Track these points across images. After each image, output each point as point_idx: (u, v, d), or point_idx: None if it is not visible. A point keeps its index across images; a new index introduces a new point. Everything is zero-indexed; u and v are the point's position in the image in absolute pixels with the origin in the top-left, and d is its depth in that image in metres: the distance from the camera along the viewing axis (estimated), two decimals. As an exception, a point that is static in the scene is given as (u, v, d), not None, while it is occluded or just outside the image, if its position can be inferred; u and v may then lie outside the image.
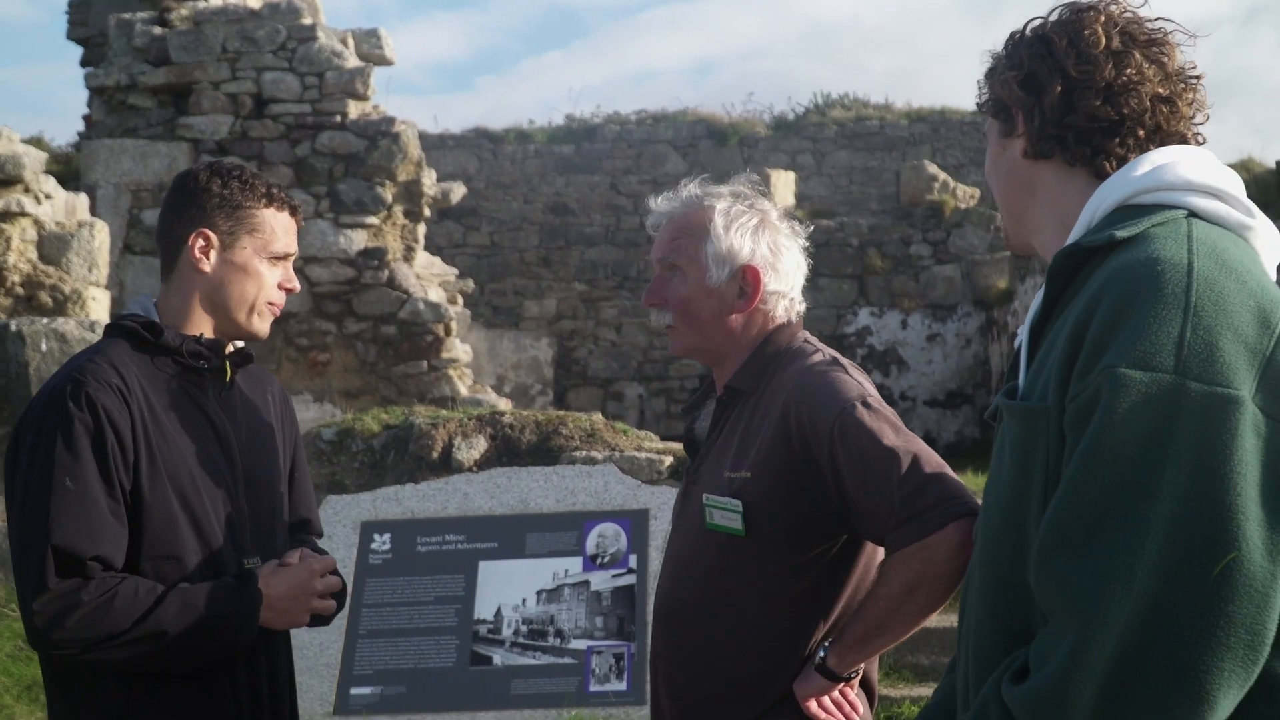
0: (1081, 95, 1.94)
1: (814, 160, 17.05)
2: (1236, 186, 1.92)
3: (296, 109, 11.28)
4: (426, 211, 11.77)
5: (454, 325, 11.26)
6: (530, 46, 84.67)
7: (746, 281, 2.80)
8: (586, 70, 65.00)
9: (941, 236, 15.53)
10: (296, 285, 2.91)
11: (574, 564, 5.57)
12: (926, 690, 5.72)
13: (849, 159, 17.00)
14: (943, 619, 5.61)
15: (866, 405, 2.63)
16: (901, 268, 15.43)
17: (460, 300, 12.31)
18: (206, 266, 2.77)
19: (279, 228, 2.84)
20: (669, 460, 6.44)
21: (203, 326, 2.79)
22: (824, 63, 53.61)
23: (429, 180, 11.64)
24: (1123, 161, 1.94)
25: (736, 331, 2.82)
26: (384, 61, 12.17)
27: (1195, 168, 1.90)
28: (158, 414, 2.66)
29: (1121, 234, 1.82)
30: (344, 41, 11.74)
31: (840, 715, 2.71)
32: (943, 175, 15.83)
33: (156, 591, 2.54)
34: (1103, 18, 1.97)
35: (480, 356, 14.03)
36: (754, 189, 2.89)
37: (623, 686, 5.30)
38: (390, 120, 11.35)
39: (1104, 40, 1.95)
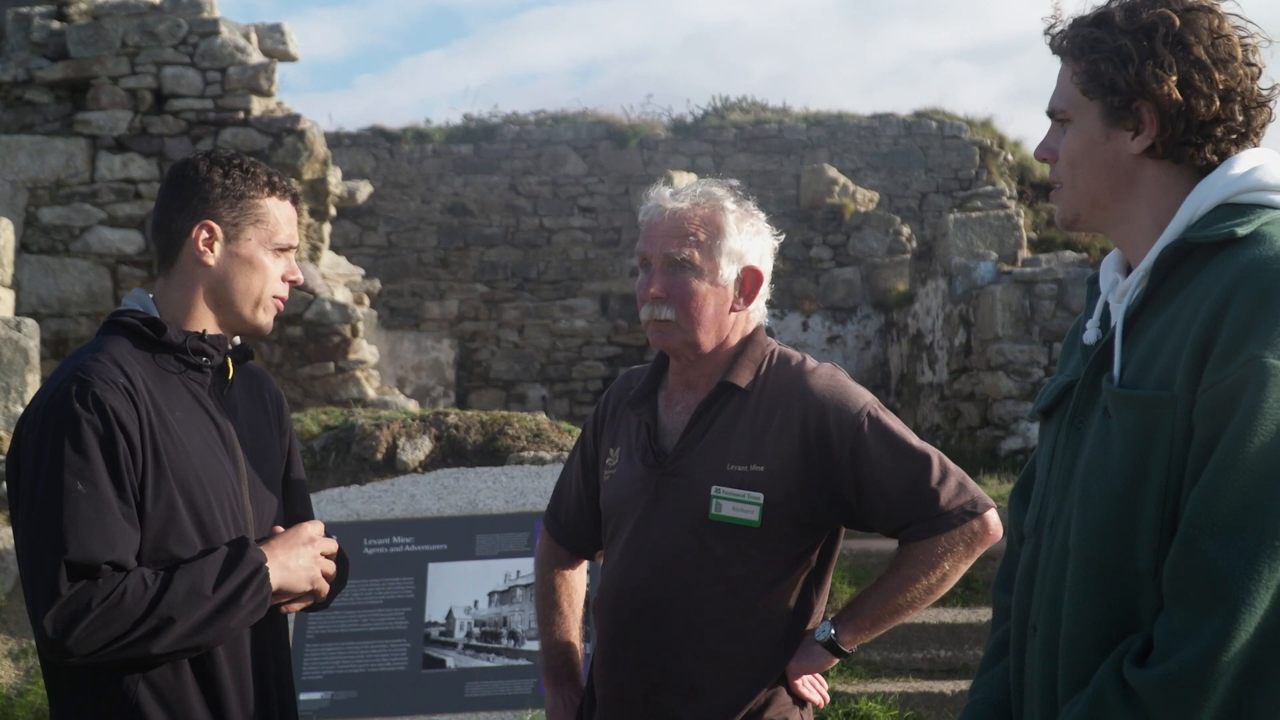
0: (1228, 105, 1.94)
1: (714, 163, 17.10)
2: None
3: (198, 105, 11.00)
4: (332, 210, 11.59)
5: (361, 326, 11.09)
6: (409, 46, 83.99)
7: (747, 282, 2.88)
8: (468, 70, 64.66)
9: (841, 240, 15.74)
10: (300, 277, 2.86)
11: (525, 565, 5.45)
12: (880, 686, 5.77)
13: (748, 162, 17.07)
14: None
15: (882, 409, 2.84)
16: (802, 270, 15.61)
17: (367, 301, 12.14)
18: (211, 259, 2.70)
19: (283, 218, 2.79)
20: (616, 461, 6.42)
21: (205, 322, 2.73)
22: (706, 65, 53.98)
23: (335, 179, 11.45)
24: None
25: (728, 329, 2.89)
26: (288, 57, 11.94)
27: None
28: (163, 414, 2.58)
29: (1242, 231, 1.86)
30: (247, 36, 11.50)
31: (819, 690, 2.87)
32: (842, 179, 16.01)
33: (160, 575, 2.45)
34: (1224, 23, 1.95)
35: (381, 358, 13.83)
36: (738, 190, 2.96)
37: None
38: (296, 117, 11.13)
39: (1239, 50, 1.94)
